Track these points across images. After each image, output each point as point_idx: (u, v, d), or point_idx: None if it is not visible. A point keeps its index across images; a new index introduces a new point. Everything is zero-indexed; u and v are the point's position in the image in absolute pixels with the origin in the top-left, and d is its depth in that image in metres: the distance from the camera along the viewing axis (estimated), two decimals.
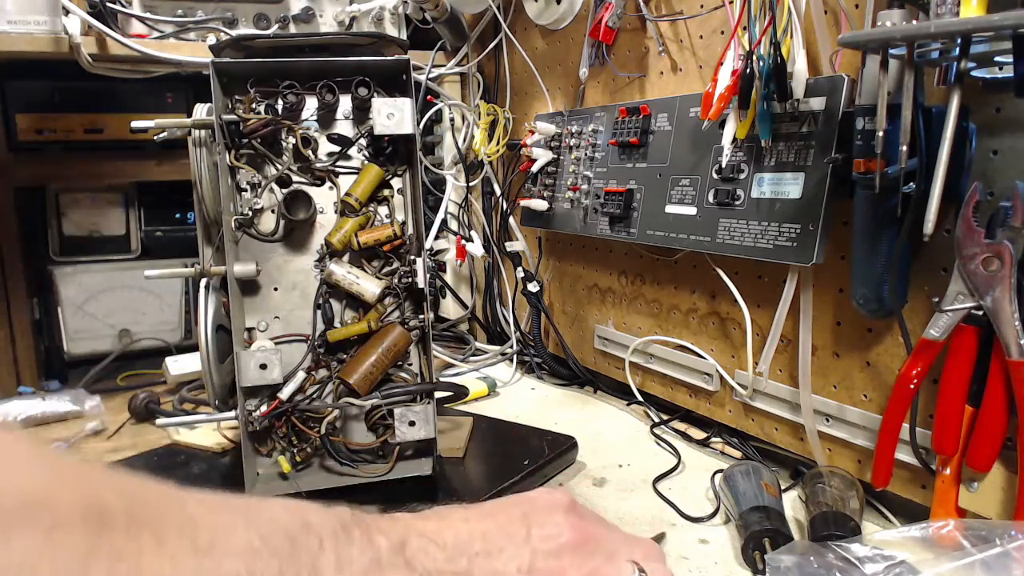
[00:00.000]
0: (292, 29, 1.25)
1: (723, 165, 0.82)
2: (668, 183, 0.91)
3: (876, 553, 0.55)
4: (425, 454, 0.81)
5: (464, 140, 1.30)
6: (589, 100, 1.10)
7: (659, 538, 0.70)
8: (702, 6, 0.89)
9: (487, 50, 1.28)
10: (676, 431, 0.98)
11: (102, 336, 1.24)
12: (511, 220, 1.24)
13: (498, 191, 1.28)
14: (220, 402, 0.78)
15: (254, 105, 0.75)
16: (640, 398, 1.06)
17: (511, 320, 1.28)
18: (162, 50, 1.11)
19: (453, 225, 1.35)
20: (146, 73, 1.14)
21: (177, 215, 1.32)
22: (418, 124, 0.90)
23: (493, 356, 1.32)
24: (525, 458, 0.83)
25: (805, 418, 0.80)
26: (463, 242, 1.28)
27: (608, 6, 0.99)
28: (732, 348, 0.90)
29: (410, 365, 0.83)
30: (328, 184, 0.80)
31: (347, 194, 0.79)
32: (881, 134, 0.58)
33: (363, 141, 0.81)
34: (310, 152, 0.78)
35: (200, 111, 0.78)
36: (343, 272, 0.79)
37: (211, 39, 1.17)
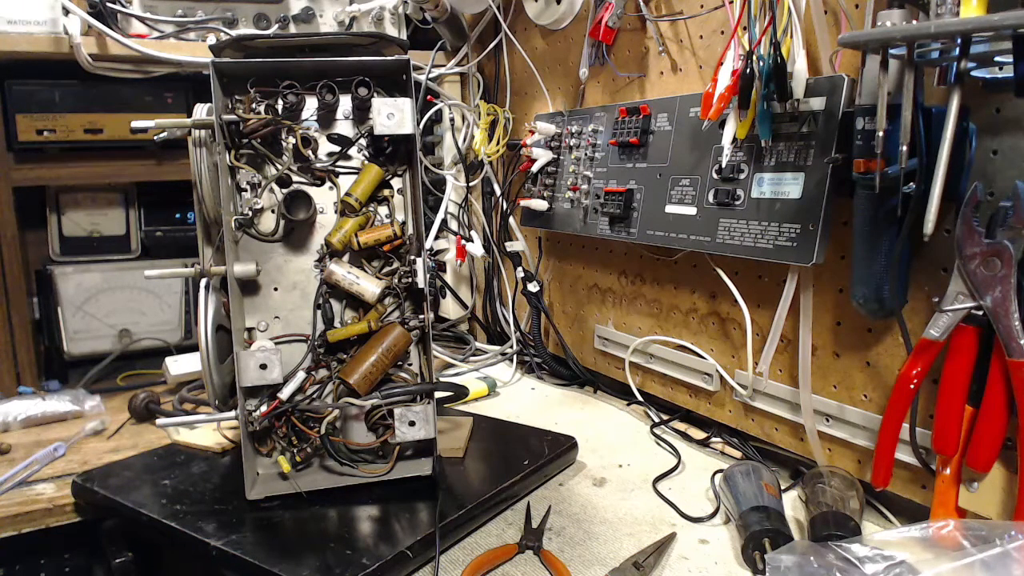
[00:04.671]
0: (292, 29, 1.25)
1: (723, 165, 0.82)
2: (668, 183, 0.91)
3: (876, 553, 0.55)
4: (425, 454, 0.81)
5: (464, 140, 1.30)
6: (589, 100, 1.10)
7: (668, 539, 0.70)
8: (702, 6, 0.89)
9: (487, 50, 1.28)
10: (676, 431, 0.98)
11: (102, 336, 1.24)
12: (511, 220, 1.24)
13: (498, 191, 1.28)
14: (220, 402, 0.78)
15: (254, 105, 0.75)
16: (640, 398, 1.06)
17: (511, 320, 1.28)
18: (162, 50, 1.11)
19: (453, 225, 1.35)
20: (146, 73, 1.14)
21: (177, 215, 1.32)
22: (418, 124, 0.90)
23: (493, 356, 1.32)
24: (525, 458, 0.83)
25: (805, 418, 0.80)
26: (463, 242, 1.28)
27: (608, 6, 0.99)
28: (732, 348, 0.90)
29: (410, 365, 0.83)
30: (328, 184, 0.80)
31: (347, 194, 0.79)
32: (881, 134, 0.58)
33: (363, 141, 0.81)
34: (310, 152, 0.78)
35: (200, 111, 0.78)
36: (343, 272, 0.79)
37: (211, 39, 1.17)
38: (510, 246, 1.22)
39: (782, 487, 0.77)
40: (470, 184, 1.31)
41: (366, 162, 0.81)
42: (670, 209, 0.90)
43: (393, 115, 0.76)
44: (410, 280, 0.79)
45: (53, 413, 1.04)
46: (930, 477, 0.68)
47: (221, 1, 1.19)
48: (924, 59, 0.58)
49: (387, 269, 0.82)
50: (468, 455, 0.87)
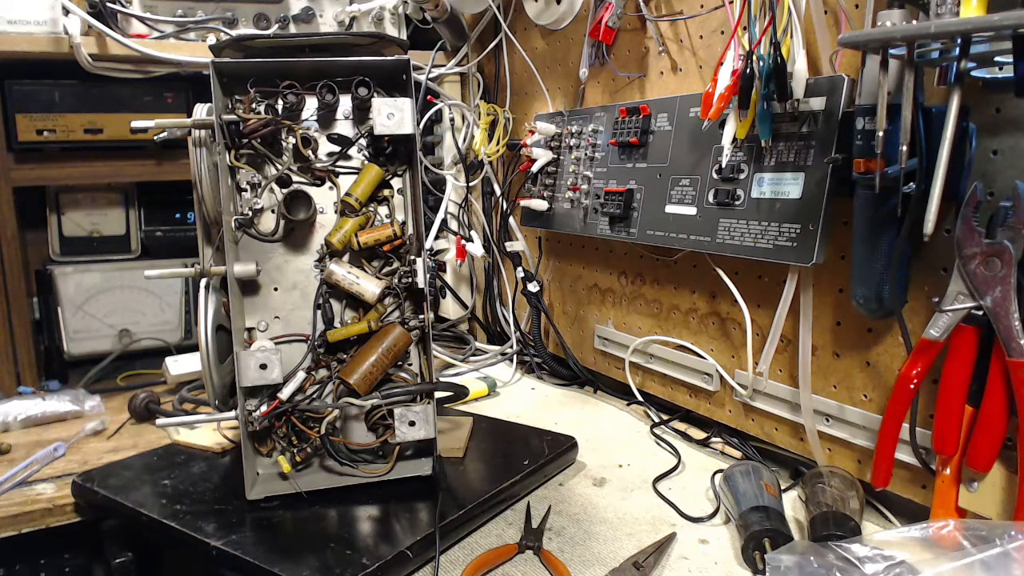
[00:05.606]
0: (292, 29, 1.25)
1: (723, 165, 0.82)
2: (668, 183, 0.91)
3: (876, 553, 0.55)
4: (425, 454, 0.81)
5: (464, 140, 1.30)
6: (589, 100, 1.10)
7: (668, 539, 0.70)
8: (702, 6, 0.89)
9: (487, 50, 1.28)
10: (676, 431, 0.98)
11: (102, 336, 1.24)
12: (511, 220, 1.24)
13: (498, 191, 1.28)
14: (220, 402, 0.78)
15: (254, 105, 0.75)
16: (640, 398, 1.06)
17: (511, 320, 1.28)
18: (162, 50, 1.11)
19: (453, 225, 1.35)
20: (146, 73, 1.14)
21: (177, 215, 1.32)
22: (418, 124, 0.90)
23: (493, 356, 1.32)
24: (525, 458, 0.83)
25: (805, 418, 0.80)
26: (463, 242, 1.28)
27: (608, 6, 0.99)
28: (732, 348, 0.90)
29: (410, 365, 0.83)
30: (328, 184, 0.80)
31: (347, 194, 0.79)
32: (881, 134, 0.58)
33: (363, 141, 0.81)
34: (310, 152, 0.78)
35: (200, 111, 0.78)
36: (343, 272, 0.79)
37: (211, 39, 1.17)
38: (510, 246, 1.22)
39: (782, 487, 0.77)
40: (470, 184, 1.31)
41: (366, 162, 0.81)
42: (670, 209, 0.90)
43: (393, 115, 0.76)
44: (410, 280, 0.79)
45: (53, 413, 1.03)
46: (930, 477, 0.68)
47: (221, 1, 1.19)
48: (924, 59, 0.58)
49: (387, 269, 0.82)
50: (468, 455, 0.87)
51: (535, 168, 1.13)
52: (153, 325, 1.28)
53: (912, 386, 0.65)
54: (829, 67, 0.73)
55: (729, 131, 0.77)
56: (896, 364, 0.72)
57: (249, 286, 0.79)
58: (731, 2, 0.75)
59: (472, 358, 1.33)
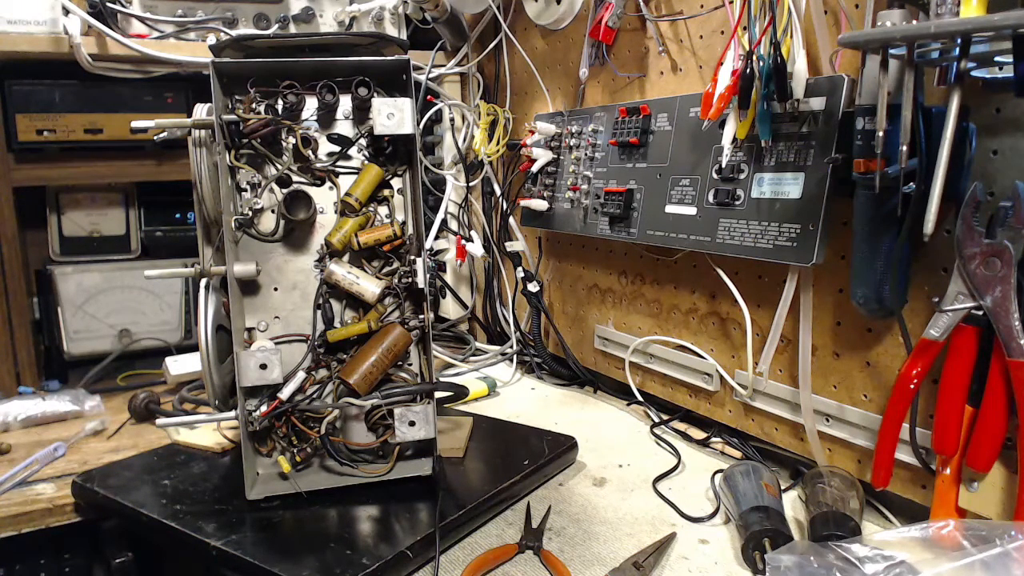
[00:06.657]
0: (292, 29, 1.25)
1: (723, 165, 0.82)
2: (668, 183, 0.91)
3: (876, 553, 0.55)
4: (425, 454, 0.81)
5: (464, 140, 1.30)
6: (589, 100, 1.10)
7: (668, 539, 0.70)
8: (702, 6, 0.89)
9: (487, 50, 1.28)
10: (676, 431, 0.98)
11: (102, 336, 1.24)
12: (511, 220, 1.24)
13: (498, 191, 1.28)
14: (220, 402, 0.78)
15: (254, 105, 0.75)
16: (640, 398, 1.06)
17: (511, 320, 1.28)
18: (162, 50, 1.11)
19: (453, 225, 1.35)
20: (146, 73, 1.14)
21: (177, 215, 1.32)
22: (418, 124, 0.90)
23: (493, 356, 1.32)
24: (525, 458, 0.83)
25: (805, 418, 0.80)
26: (463, 242, 1.28)
27: (608, 6, 0.99)
28: (732, 348, 0.90)
29: (410, 365, 0.83)
30: (328, 184, 0.80)
31: (347, 194, 0.79)
32: (881, 134, 0.58)
33: (363, 141, 0.81)
34: (310, 152, 0.78)
35: (200, 111, 0.78)
36: (343, 272, 0.79)
37: (211, 39, 1.17)
38: (510, 246, 1.22)
39: (782, 487, 0.77)
40: (470, 184, 1.31)
41: (366, 162, 0.81)
42: (670, 209, 0.90)
43: (393, 115, 0.76)
44: (410, 280, 0.79)
45: (53, 413, 1.03)
46: (930, 477, 0.68)
47: (221, 1, 1.19)
48: (924, 59, 0.58)
49: (387, 269, 0.82)
50: (468, 455, 0.87)
51: (535, 168, 1.13)
52: (153, 325, 1.28)
53: (912, 386, 0.65)
54: (829, 67, 0.73)
55: (729, 131, 0.77)
56: (896, 364, 0.72)
57: (249, 286, 0.79)
58: (731, 2, 0.75)
59: (472, 358, 1.33)
